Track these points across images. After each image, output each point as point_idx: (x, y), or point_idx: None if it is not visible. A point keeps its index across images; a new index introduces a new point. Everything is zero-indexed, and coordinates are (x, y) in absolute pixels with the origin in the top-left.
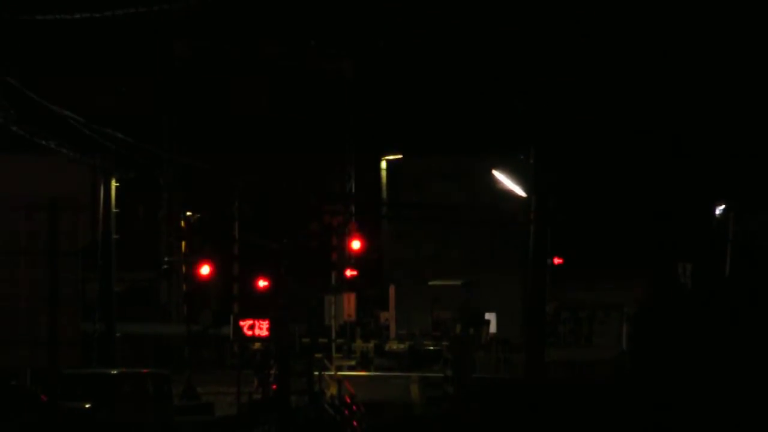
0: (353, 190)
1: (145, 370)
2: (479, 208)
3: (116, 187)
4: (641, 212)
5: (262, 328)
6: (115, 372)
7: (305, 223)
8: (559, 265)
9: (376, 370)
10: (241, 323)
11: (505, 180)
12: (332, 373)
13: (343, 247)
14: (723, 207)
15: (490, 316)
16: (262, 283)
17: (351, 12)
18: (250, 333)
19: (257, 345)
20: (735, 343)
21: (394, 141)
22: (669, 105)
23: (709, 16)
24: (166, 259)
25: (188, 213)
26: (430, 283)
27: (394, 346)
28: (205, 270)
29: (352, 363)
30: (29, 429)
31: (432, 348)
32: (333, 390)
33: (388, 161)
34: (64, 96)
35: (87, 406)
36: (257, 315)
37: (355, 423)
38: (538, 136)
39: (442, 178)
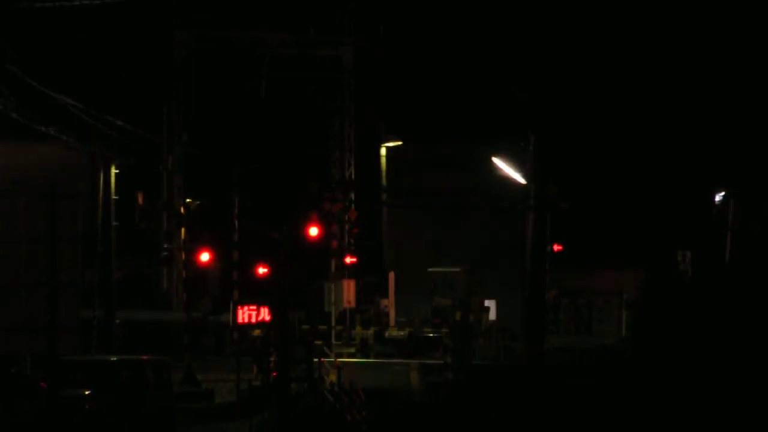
0: (353, 177)
1: (144, 357)
2: (479, 194)
3: (116, 173)
4: (641, 199)
5: (261, 315)
6: (114, 359)
7: (305, 210)
8: (558, 252)
9: (376, 357)
10: (240, 310)
11: (505, 167)
12: (332, 360)
13: (343, 234)
14: (722, 194)
15: (490, 304)
16: (261, 270)
17: None
18: (248, 320)
19: (257, 332)
20: (736, 331)
21: (394, 128)
22: (669, 92)
23: (710, 5)
24: (165, 246)
25: (188, 200)
26: (430, 270)
27: (393, 333)
28: (204, 257)
29: (352, 350)
30: (29, 416)
31: (432, 335)
32: (333, 377)
33: (388, 148)
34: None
35: (86, 392)
36: (257, 302)
37: (354, 410)
38: (537, 123)
39: (443, 164)
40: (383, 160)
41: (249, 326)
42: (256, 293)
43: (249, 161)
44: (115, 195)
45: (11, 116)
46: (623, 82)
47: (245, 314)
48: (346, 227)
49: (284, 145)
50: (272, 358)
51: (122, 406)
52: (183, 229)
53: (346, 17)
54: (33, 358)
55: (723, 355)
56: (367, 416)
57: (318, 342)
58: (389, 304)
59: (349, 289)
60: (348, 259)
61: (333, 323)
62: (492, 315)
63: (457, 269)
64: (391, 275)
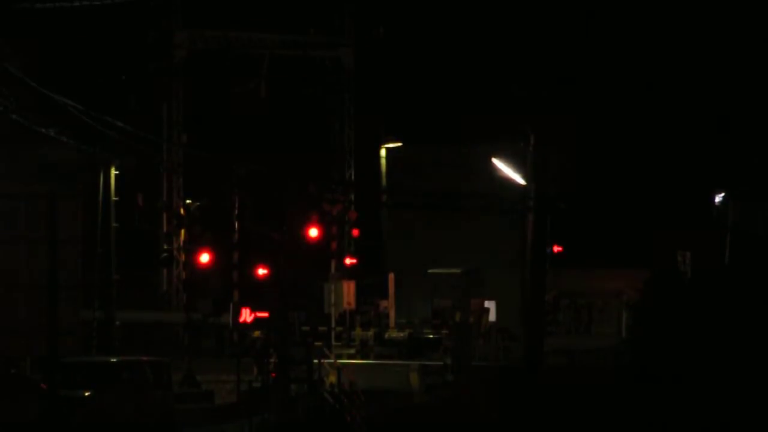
0: (353, 178)
1: (144, 358)
2: (479, 196)
3: (116, 174)
4: (641, 200)
5: (242, 316)
6: (114, 360)
7: (305, 211)
8: (558, 252)
9: (375, 359)
10: (241, 311)
11: (504, 168)
12: (332, 361)
13: (343, 235)
14: (722, 195)
15: (490, 305)
16: (261, 272)
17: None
18: (247, 320)
19: (257, 333)
20: (735, 332)
21: (394, 128)
22: (669, 94)
23: (709, 5)
24: (165, 247)
25: (188, 201)
26: (430, 271)
27: (393, 334)
28: (204, 258)
29: (352, 351)
30: (29, 417)
31: (431, 336)
32: (332, 378)
33: (387, 149)
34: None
35: (87, 393)
36: (256, 303)
37: (354, 411)
38: (536, 123)
39: (442, 165)
40: (383, 160)
41: (246, 326)
42: (256, 294)
43: (249, 162)
44: (115, 196)
45: (11, 117)
46: (623, 83)
47: None
48: (346, 228)
49: (284, 145)
50: (272, 360)
51: (122, 407)
52: (183, 230)
53: (345, 18)
54: (33, 360)
55: (723, 356)
56: (366, 417)
57: (318, 343)
58: (389, 305)
59: (349, 291)
60: (348, 260)
61: (333, 324)
62: (492, 316)
63: (457, 270)
64: (391, 276)
